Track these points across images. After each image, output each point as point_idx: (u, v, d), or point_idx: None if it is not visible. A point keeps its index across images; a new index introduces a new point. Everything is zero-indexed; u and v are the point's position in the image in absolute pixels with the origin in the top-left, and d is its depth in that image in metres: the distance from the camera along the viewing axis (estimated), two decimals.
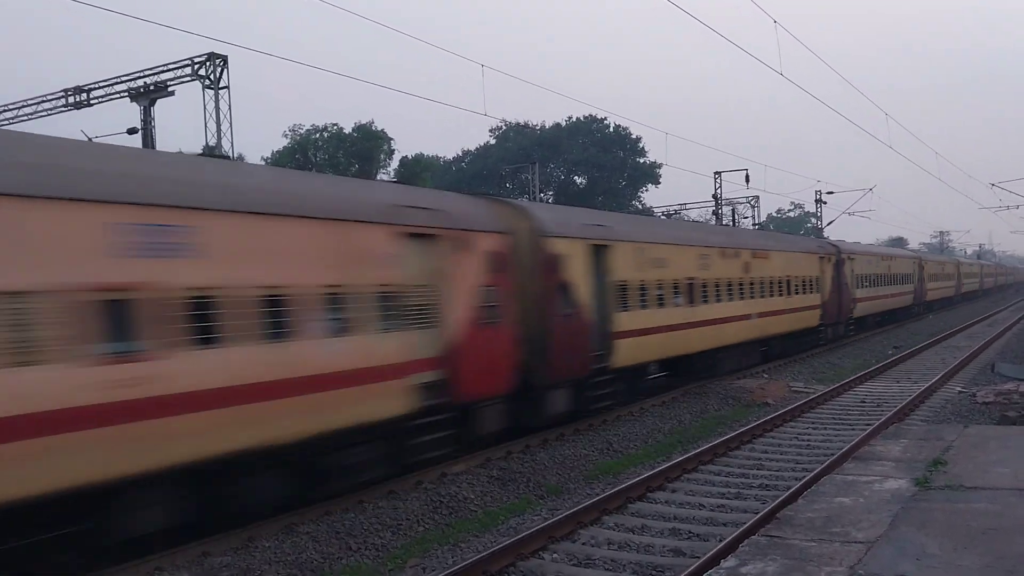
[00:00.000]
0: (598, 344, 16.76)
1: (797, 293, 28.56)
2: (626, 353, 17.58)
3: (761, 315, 25.04)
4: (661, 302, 19.35)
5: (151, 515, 9.01)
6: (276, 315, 9.96)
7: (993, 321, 47.69)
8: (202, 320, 9.12)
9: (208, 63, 26.54)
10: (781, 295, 27.13)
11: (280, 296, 10.03)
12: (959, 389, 20.64)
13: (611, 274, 17.32)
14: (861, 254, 38.05)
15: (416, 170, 57.14)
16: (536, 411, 15.20)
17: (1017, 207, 59.04)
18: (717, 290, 22.32)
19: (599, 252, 17.02)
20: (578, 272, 16.14)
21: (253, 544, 9.79)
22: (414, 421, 12.06)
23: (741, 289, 23.91)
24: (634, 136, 75.79)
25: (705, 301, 21.53)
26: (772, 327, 26.19)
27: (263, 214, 10.12)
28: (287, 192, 11.03)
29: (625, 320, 17.60)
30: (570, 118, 76.94)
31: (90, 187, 8.47)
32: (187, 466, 9.06)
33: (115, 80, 28.19)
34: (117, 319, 8.41)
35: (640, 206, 73.01)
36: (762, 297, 25.40)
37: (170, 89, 27.39)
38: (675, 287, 20.07)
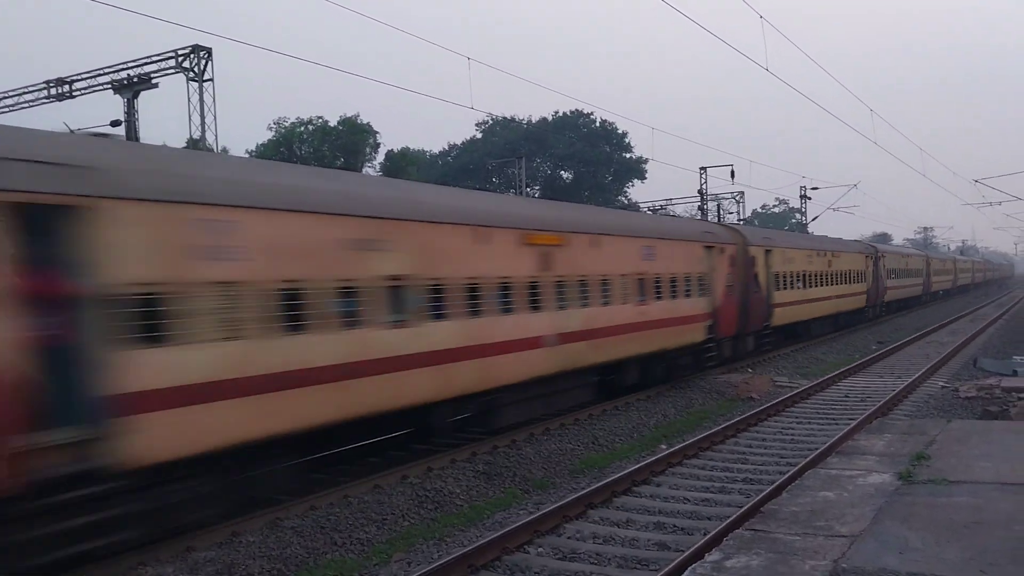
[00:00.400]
0: (767, 311, 27.10)
1: (855, 282, 39.18)
2: (779, 317, 28.51)
3: (838, 296, 36.11)
4: (792, 285, 30.08)
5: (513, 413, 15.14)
6: (659, 287, 19.50)
7: (975, 317, 48.08)
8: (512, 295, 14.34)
9: (192, 55, 26.38)
10: (847, 283, 37.76)
11: (657, 277, 19.43)
12: (942, 384, 20.78)
13: (772, 267, 27.73)
14: (889, 253, 49.37)
15: (402, 164, 56.96)
16: (742, 347, 25.32)
17: (1000, 203, 59.50)
18: (816, 278, 32.97)
19: (767, 254, 27.43)
20: (760, 266, 26.56)
21: (237, 539, 9.75)
22: (703, 345, 21.88)
23: (825, 278, 34.47)
24: (620, 131, 75.99)
25: (810, 286, 32.16)
26: (843, 305, 37.14)
27: (621, 236, 18.54)
28: (644, 226, 21.19)
29: (778, 296, 28.22)
30: (556, 112, 77.07)
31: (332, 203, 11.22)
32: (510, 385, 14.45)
33: (98, 72, 27.99)
34: (393, 299, 11.73)
35: (626, 201, 73.14)
36: (835, 285, 35.72)
37: (154, 81, 27.22)
38: (798, 276, 30.68)
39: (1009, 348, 28.99)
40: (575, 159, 74.37)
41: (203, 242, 9.24)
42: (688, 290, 20.96)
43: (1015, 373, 21.66)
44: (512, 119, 75.85)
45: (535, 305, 14.96)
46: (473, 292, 13.39)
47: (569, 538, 9.90)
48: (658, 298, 19.27)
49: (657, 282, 19.28)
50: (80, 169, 8.23)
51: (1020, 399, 17.17)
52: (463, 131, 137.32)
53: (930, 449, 10.58)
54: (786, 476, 11.38)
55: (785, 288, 29.10)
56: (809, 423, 16.71)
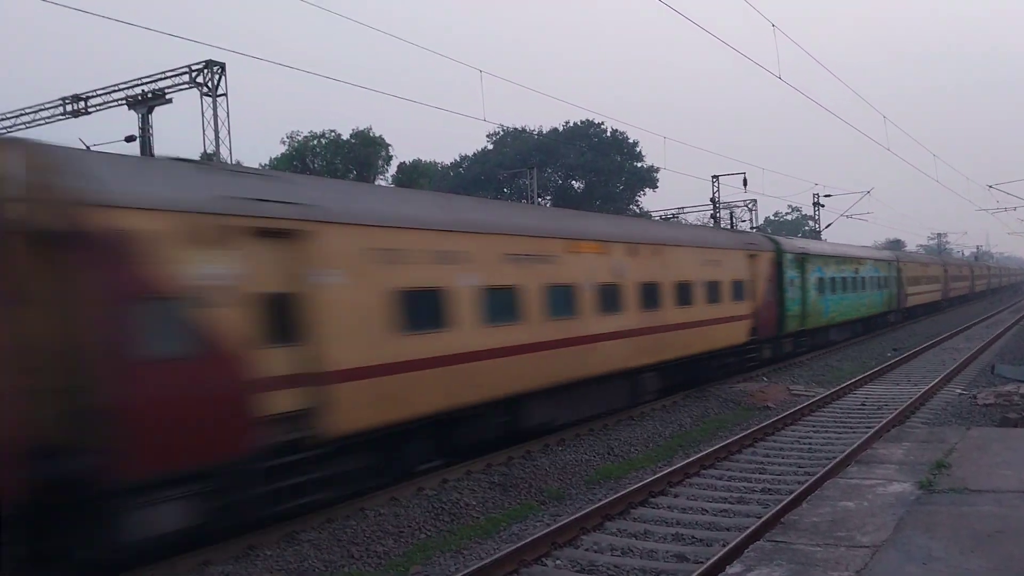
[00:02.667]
0: (804, 315, 29.54)
1: (878, 288, 41.41)
2: (812, 321, 30.67)
3: (865, 302, 38.72)
4: (823, 291, 32.15)
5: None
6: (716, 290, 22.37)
7: (992, 323, 47.71)
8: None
9: (206, 70, 26.53)
10: (872, 289, 40.66)
11: (719, 282, 22.57)
12: (959, 391, 20.61)
13: (810, 273, 30.55)
14: (909, 262, 51.26)
15: (414, 176, 57.18)
16: (780, 348, 27.51)
17: (1014, 208, 59.33)
18: (847, 285, 35.60)
19: (803, 260, 29.82)
20: (794, 271, 28.75)
21: (254, 552, 9.75)
22: (746, 345, 24.21)
23: (864, 283, 38.44)
24: (631, 140, 75.88)
25: (841, 292, 34.64)
26: (866, 311, 39.14)
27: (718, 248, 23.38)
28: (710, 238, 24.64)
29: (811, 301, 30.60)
30: (567, 123, 77.06)
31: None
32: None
33: (113, 88, 28.18)
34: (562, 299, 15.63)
35: (638, 210, 73.04)
36: (860, 291, 38.37)
37: (168, 97, 27.37)
38: (828, 282, 32.72)
39: None
40: (586, 169, 74.32)
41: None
42: (737, 293, 24.33)
43: None
44: (523, 130, 75.93)
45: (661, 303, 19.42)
46: (651, 291, 19.00)
47: (587, 550, 9.84)
48: (718, 301, 22.73)
49: (718, 286, 22.71)
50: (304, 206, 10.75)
51: None
52: (474, 143, 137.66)
53: (950, 457, 10.47)
54: (805, 486, 11.30)
55: (820, 293, 31.70)
56: (826, 432, 16.60)
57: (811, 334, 30.82)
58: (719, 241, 24.41)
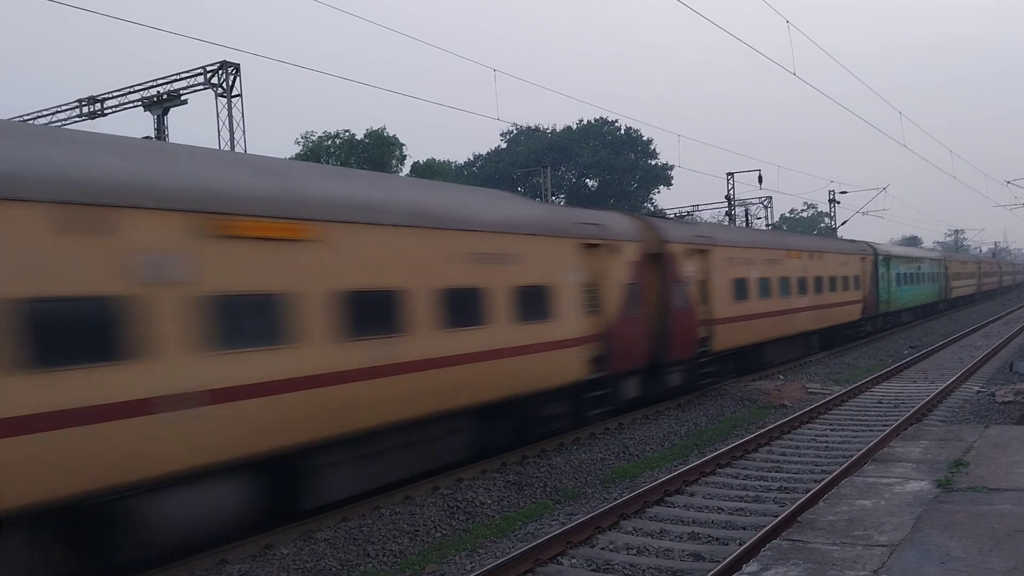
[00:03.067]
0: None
1: (933, 282, 49.92)
2: (894, 305, 40.47)
3: (925, 292, 47.66)
4: (904, 283, 42.41)
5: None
6: (844, 282, 32.03)
7: (1009, 320, 47.34)
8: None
9: (220, 71, 26.65)
10: (930, 283, 49.31)
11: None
12: (977, 389, 20.46)
13: (891, 269, 39.46)
14: (953, 261, 60.63)
15: (427, 175, 57.17)
16: (875, 324, 35.36)
17: None
18: (922, 278, 46.24)
19: (888, 260, 38.35)
20: (883, 269, 37.84)
21: (271, 551, 9.79)
22: (858, 321, 32.51)
23: (924, 278, 46.65)
24: (645, 138, 75.80)
25: (915, 284, 44.98)
26: (924, 299, 47.99)
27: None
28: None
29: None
30: (581, 121, 77.07)
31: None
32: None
33: (129, 89, 28.36)
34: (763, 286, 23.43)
35: (652, 208, 72.90)
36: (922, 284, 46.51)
37: (183, 98, 27.52)
38: (906, 276, 42.67)
39: None
40: (600, 167, 74.26)
41: None
42: (856, 285, 33.88)
43: None
44: (536, 128, 75.94)
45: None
46: (818, 282, 29.23)
47: (602, 549, 9.83)
48: (846, 289, 32.76)
49: (846, 279, 32.52)
50: None
51: None
52: (488, 141, 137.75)
53: (968, 456, 10.39)
54: (822, 484, 11.25)
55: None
56: (843, 430, 16.52)
57: (892, 315, 40.93)
58: (846, 248, 34.40)
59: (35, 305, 7.53)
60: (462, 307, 12.47)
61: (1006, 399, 18.29)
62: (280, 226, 9.87)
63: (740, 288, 22.70)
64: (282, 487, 10.16)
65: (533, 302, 14.19)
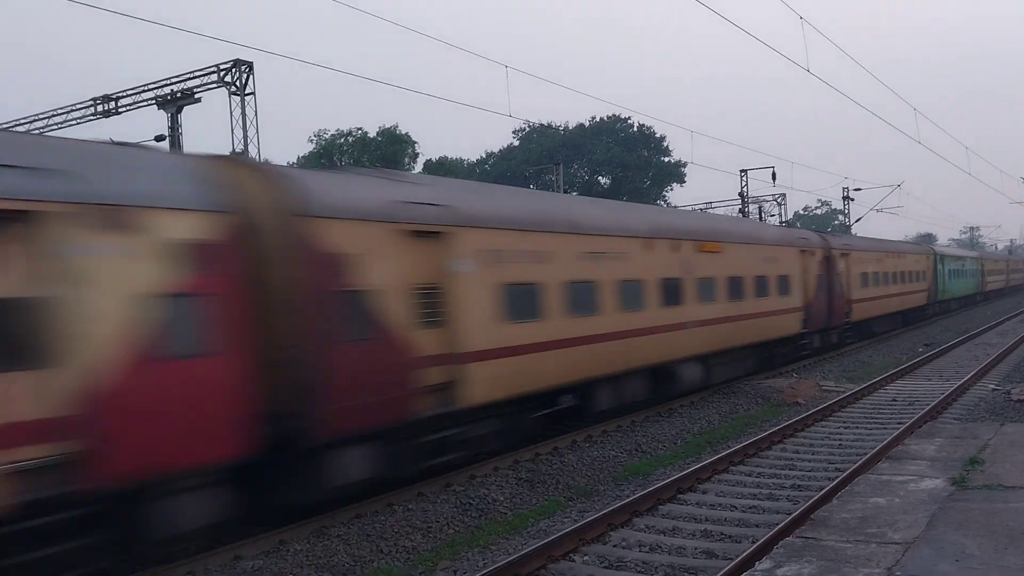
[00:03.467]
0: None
1: (972, 277, 59.49)
2: (945, 295, 49.21)
3: (967, 285, 57.57)
4: (952, 278, 49.42)
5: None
6: (913, 276, 41.71)
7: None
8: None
9: (233, 70, 26.72)
10: (970, 279, 58.82)
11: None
12: (993, 387, 20.32)
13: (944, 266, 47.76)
14: (987, 259, 70.11)
15: (440, 173, 57.18)
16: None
17: None
18: (965, 274, 54.31)
19: (942, 258, 47.54)
20: (939, 265, 45.31)
21: (284, 547, 9.83)
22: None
23: (966, 273, 56.30)
24: (658, 135, 75.59)
25: (960, 279, 54.08)
26: (966, 291, 57.53)
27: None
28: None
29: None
30: (593, 118, 76.90)
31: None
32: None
33: (142, 88, 28.46)
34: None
35: (665, 205, 72.74)
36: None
37: (196, 96, 27.60)
38: (954, 271, 49.87)
39: None
40: (613, 164, 74.11)
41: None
42: (919, 278, 43.05)
43: None
44: (549, 126, 75.83)
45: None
46: (899, 276, 38.58)
47: (615, 546, 9.82)
48: (914, 282, 42.30)
49: (914, 274, 41.64)
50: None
51: None
52: (500, 139, 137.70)
53: (983, 453, 10.34)
54: (835, 482, 11.19)
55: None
56: (857, 428, 16.44)
57: (945, 303, 50.18)
58: (915, 249, 44.70)
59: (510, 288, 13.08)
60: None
61: (1022, 397, 18.16)
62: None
63: (865, 279, 32.90)
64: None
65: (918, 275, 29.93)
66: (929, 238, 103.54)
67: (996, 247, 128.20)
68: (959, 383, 20.34)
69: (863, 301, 32.33)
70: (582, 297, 15.06)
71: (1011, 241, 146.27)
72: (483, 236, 12.81)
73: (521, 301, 13.35)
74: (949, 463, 9.96)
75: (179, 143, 27.27)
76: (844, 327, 30.14)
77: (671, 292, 18.08)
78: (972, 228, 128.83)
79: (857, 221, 52.41)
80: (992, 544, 6.88)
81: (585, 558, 9.45)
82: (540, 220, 14.64)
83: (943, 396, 18.44)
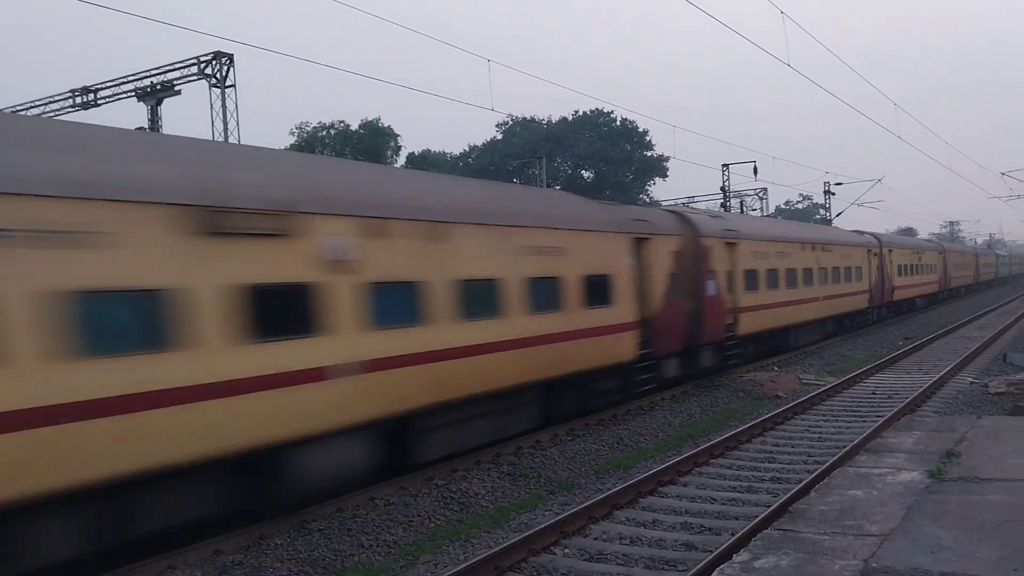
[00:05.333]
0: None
1: (967, 269, 67.77)
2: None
3: (962, 275, 65.39)
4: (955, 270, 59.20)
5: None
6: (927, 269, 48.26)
7: (1003, 312, 47.48)
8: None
9: (214, 62, 26.56)
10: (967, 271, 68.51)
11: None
12: (971, 380, 20.52)
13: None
14: (981, 254, 79.42)
15: (422, 166, 57.11)
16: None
17: None
18: (962, 267, 65.46)
19: (946, 254, 57.30)
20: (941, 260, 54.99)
21: (265, 542, 9.81)
22: (866, 311, 34.18)
23: (959, 266, 63.91)
24: (641, 129, 75.74)
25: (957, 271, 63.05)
26: (962, 282, 65.17)
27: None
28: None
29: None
30: (576, 112, 77.04)
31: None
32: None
33: (122, 80, 28.26)
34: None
35: (648, 199, 72.91)
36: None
37: (176, 88, 27.44)
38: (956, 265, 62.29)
39: None
40: (596, 158, 74.22)
41: None
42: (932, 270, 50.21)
43: None
44: (532, 119, 75.87)
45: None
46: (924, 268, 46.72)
47: (595, 539, 9.86)
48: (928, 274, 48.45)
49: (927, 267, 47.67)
50: None
51: None
52: (483, 132, 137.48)
53: (960, 446, 10.45)
54: (814, 475, 11.28)
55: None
56: (836, 421, 16.56)
57: (953, 290, 58.76)
58: (930, 247, 51.03)
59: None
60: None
61: (999, 390, 18.35)
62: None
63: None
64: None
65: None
66: (910, 232, 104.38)
67: (975, 241, 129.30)
68: (938, 376, 20.51)
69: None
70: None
71: (990, 235, 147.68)
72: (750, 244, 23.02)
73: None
74: (926, 456, 10.06)
75: None
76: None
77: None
78: (952, 223, 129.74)
79: (839, 215, 52.67)
80: (967, 536, 6.96)
81: (566, 551, 9.49)
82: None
83: (922, 389, 18.59)
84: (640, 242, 17.95)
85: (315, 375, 10.12)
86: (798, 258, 27.54)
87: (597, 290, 16.02)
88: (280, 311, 9.82)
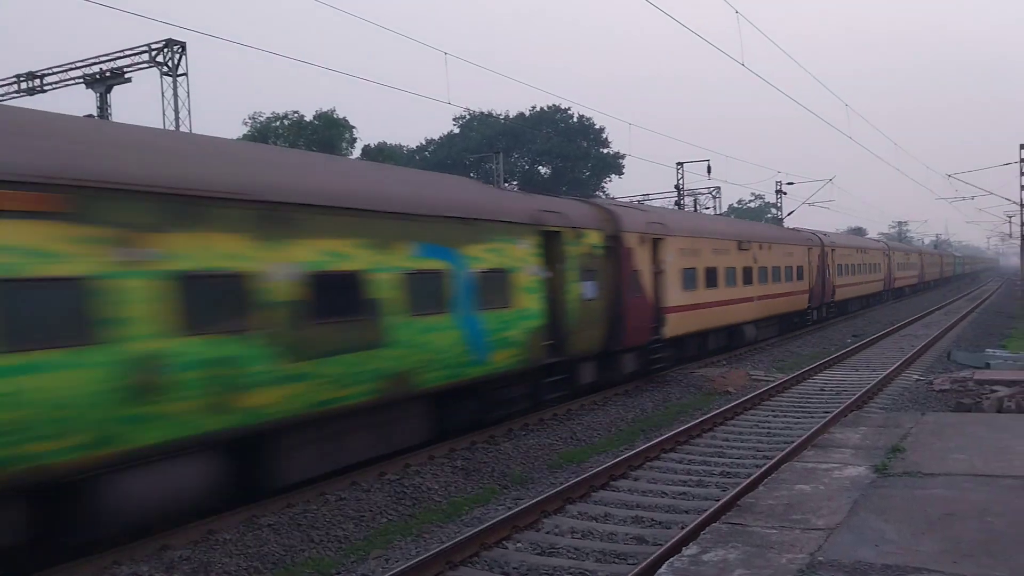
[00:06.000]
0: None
1: (937, 267, 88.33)
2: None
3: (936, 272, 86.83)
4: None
5: None
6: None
7: (949, 310, 48.61)
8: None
9: (166, 49, 26.09)
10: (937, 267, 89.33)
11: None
12: (916, 377, 20.96)
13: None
14: (944, 255, 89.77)
15: (379, 159, 56.71)
16: (932, 287, 60.85)
17: (972, 198, 60.83)
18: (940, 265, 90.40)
19: (921, 254, 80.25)
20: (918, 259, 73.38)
21: (213, 537, 9.67)
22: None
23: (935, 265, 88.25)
24: (598, 126, 76.07)
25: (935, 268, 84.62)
26: (933, 277, 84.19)
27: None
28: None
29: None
30: (534, 108, 77.06)
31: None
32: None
33: (70, 66, 27.63)
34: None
35: (604, 196, 73.28)
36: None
37: (127, 76, 26.91)
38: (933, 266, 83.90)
39: (982, 341, 29.34)
40: (553, 154, 74.40)
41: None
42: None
43: (988, 366, 21.89)
44: (489, 114, 75.74)
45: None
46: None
47: (548, 533, 9.89)
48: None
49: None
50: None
51: (993, 391, 17.36)
52: (440, 126, 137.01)
53: (905, 442, 10.68)
54: (763, 469, 11.44)
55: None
56: (785, 416, 16.82)
57: (931, 282, 67.11)
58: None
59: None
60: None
61: (943, 387, 18.76)
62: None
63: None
64: None
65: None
66: (860, 231, 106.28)
67: (923, 241, 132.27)
68: (885, 373, 20.94)
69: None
70: None
71: (936, 236, 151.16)
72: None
73: None
74: (872, 451, 10.26)
75: None
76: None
77: None
78: (900, 223, 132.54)
79: (790, 214, 53.47)
80: (910, 529, 7.12)
81: (518, 545, 9.50)
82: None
83: (869, 386, 18.97)
84: (550, 236, 16.31)
85: None
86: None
87: (492, 288, 14.22)
88: None
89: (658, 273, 20.64)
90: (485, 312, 14.02)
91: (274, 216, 10.32)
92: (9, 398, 7.43)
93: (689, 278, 22.53)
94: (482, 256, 14.06)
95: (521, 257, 15.24)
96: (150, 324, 8.70)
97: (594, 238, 17.90)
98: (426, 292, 12.66)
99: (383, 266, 11.88)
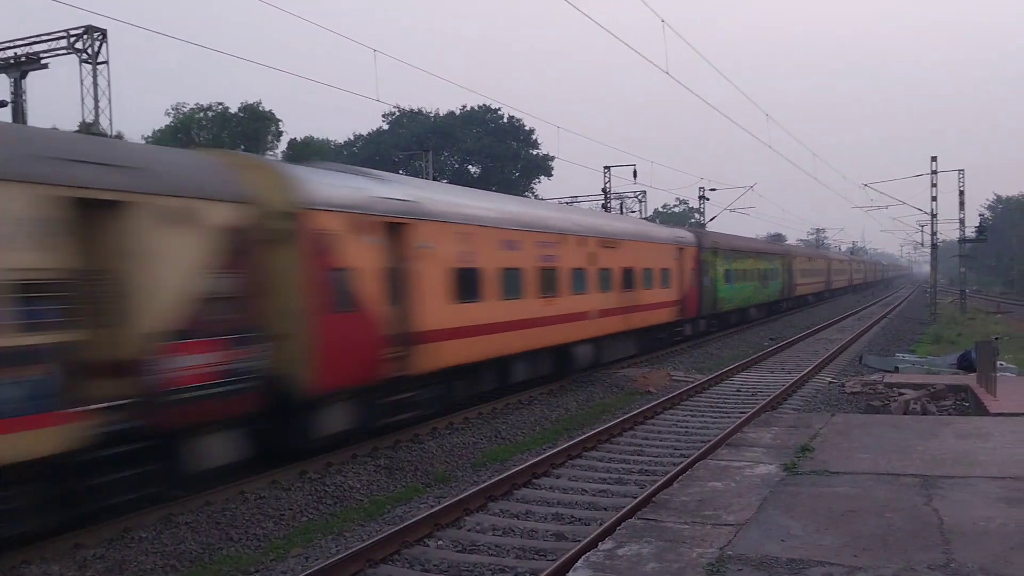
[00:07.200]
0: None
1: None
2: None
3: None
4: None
5: None
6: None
7: (862, 316, 50.30)
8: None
9: (85, 36, 25.35)
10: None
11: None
12: (829, 380, 21.70)
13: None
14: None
15: (305, 153, 55.98)
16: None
17: (887, 207, 62.92)
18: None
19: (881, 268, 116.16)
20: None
21: (129, 535, 9.51)
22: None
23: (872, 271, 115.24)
24: (527, 128, 76.43)
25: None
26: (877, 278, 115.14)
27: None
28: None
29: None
30: (464, 107, 77.03)
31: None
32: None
33: None
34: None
35: (532, 197, 73.67)
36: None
37: (43, 62, 26.04)
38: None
39: (892, 346, 30.54)
40: (482, 154, 74.47)
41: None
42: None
43: (897, 369, 22.81)
44: (419, 112, 75.47)
45: None
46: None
47: (469, 530, 10.00)
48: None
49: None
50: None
51: (900, 394, 18.12)
52: (369, 122, 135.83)
53: (814, 442, 11.09)
54: (678, 467, 11.75)
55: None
56: (703, 416, 17.24)
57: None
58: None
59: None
60: None
61: (854, 389, 19.50)
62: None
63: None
64: None
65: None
66: (779, 238, 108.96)
67: (840, 249, 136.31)
68: (799, 376, 21.63)
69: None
70: None
71: (853, 243, 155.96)
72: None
73: None
74: (783, 450, 10.64)
75: (23, 111, 25.68)
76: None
77: None
78: (819, 230, 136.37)
79: (712, 220, 54.60)
80: (814, 525, 7.43)
81: (439, 543, 9.58)
82: None
83: (784, 388, 19.57)
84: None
85: None
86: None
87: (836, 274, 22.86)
88: None
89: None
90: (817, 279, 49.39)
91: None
92: None
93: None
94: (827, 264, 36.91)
95: (824, 265, 37.29)
96: None
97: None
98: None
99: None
